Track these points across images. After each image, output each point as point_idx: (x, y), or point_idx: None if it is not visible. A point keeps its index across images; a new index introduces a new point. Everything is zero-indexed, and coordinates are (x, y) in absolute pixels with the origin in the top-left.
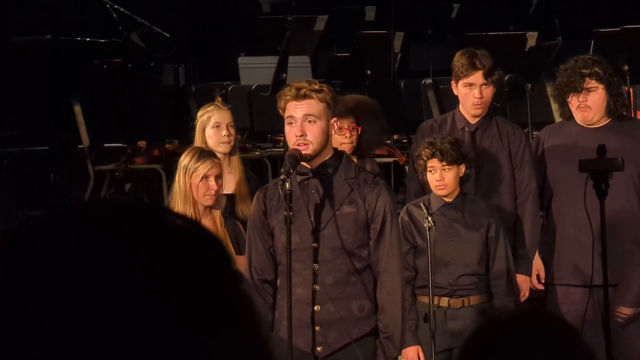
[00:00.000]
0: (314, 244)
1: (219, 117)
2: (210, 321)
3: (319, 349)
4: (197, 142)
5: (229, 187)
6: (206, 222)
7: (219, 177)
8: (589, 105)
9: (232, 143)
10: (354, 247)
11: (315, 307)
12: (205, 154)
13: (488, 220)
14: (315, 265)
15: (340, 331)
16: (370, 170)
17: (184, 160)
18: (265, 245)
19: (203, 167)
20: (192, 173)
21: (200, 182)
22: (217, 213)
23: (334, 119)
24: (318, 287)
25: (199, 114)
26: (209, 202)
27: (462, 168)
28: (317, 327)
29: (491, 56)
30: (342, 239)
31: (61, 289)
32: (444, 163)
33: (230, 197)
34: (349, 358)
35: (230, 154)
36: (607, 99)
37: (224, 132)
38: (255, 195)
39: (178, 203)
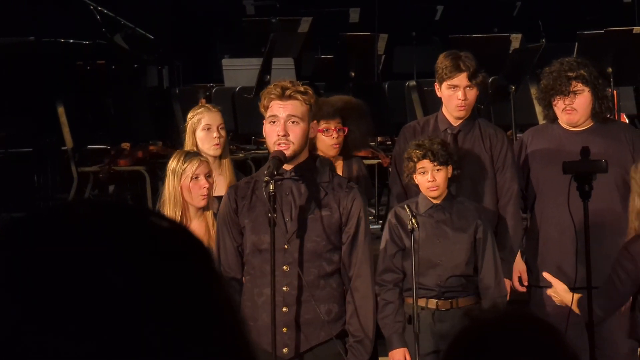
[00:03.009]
0: (285, 246)
1: (209, 119)
2: (193, 322)
3: (284, 350)
4: (188, 144)
5: (220, 189)
6: (198, 224)
7: (208, 175)
8: (575, 108)
9: (222, 145)
10: (325, 250)
11: (283, 309)
12: (191, 154)
13: (476, 221)
14: (285, 267)
15: (307, 334)
16: (357, 171)
17: (172, 164)
18: (234, 244)
19: (191, 167)
20: (181, 175)
21: (190, 182)
22: (209, 214)
23: (314, 122)
24: (287, 289)
25: (189, 116)
26: (203, 203)
27: (450, 169)
28: (284, 329)
29: (475, 58)
30: (314, 242)
31: (44, 289)
32: (435, 164)
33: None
34: None
35: (221, 156)
36: (593, 102)
37: (215, 134)
38: (226, 193)
39: (168, 208)
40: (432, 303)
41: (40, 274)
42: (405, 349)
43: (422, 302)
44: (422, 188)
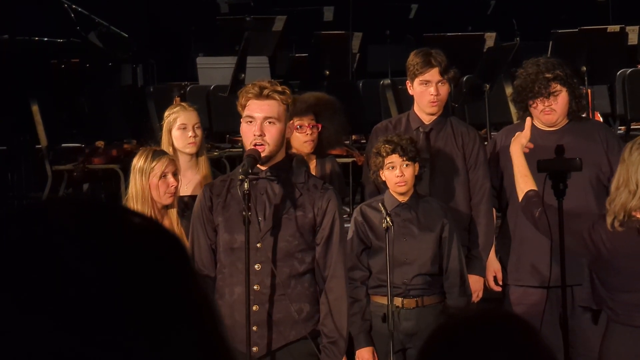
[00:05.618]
0: (258, 245)
1: (185, 119)
2: (168, 319)
3: (254, 349)
4: (164, 143)
5: (196, 188)
6: (164, 221)
7: (175, 174)
8: (554, 109)
9: (198, 144)
10: (297, 250)
11: (254, 307)
12: (158, 152)
13: (442, 220)
14: (257, 266)
15: (277, 333)
16: (331, 169)
17: (138, 162)
18: (208, 242)
19: (160, 166)
20: (150, 173)
21: (159, 181)
22: (174, 212)
23: (291, 121)
24: (258, 288)
25: (166, 114)
26: (169, 200)
27: (417, 166)
28: (254, 327)
29: (446, 55)
30: (287, 241)
31: (19, 286)
32: (404, 159)
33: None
34: (284, 359)
35: (197, 154)
36: (570, 101)
37: (190, 134)
38: (202, 190)
39: (135, 206)
40: (398, 301)
41: (17, 272)
42: (372, 348)
43: (386, 301)
44: (390, 184)
